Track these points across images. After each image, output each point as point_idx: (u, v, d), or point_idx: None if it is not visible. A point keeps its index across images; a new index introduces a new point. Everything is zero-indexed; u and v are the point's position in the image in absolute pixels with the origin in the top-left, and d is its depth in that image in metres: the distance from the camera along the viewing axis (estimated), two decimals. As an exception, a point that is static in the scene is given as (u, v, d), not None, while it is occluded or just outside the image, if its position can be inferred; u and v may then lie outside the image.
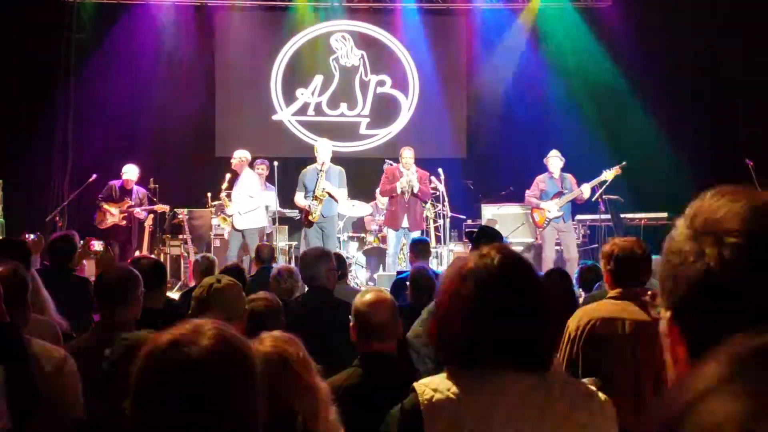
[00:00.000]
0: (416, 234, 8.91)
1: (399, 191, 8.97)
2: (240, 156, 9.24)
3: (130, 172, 9.58)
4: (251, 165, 9.47)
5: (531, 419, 1.60)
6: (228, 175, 9.28)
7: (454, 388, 1.63)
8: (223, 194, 9.20)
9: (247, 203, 9.03)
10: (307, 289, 4.69)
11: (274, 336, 2.10)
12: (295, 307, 4.31)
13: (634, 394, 2.99)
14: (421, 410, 1.62)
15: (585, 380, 2.38)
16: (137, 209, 9.49)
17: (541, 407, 1.61)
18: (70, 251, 5.28)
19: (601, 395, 1.71)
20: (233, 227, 9.14)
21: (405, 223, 9.02)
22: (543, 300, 1.70)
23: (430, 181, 9.38)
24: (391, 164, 9.45)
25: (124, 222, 9.38)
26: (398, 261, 9.21)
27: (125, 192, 9.51)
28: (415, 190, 8.97)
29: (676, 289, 0.98)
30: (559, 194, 9.39)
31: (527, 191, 9.72)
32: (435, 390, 1.64)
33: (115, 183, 9.53)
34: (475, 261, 1.69)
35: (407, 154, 9.10)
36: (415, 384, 1.69)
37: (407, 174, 8.99)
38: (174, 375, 1.31)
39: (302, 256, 4.87)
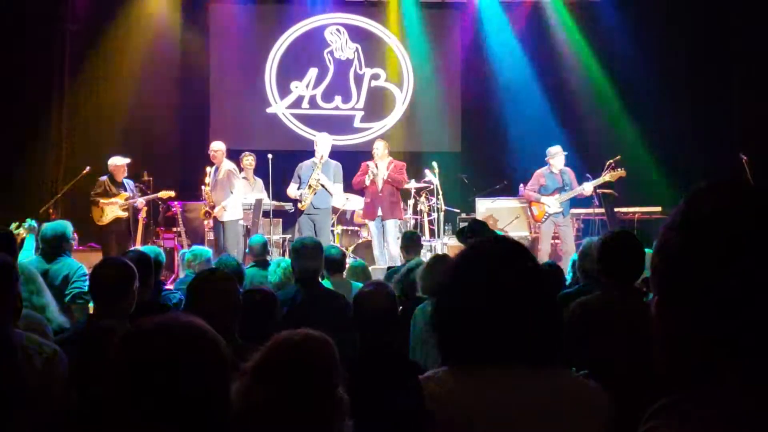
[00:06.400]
0: (391, 222, 9.00)
1: (367, 182, 9.09)
2: (221, 148, 9.26)
3: (118, 163, 9.37)
4: (237, 158, 9.49)
5: (531, 414, 1.60)
6: (209, 169, 9.30)
7: (457, 383, 1.62)
8: (208, 188, 9.21)
9: (230, 196, 9.05)
10: (295, 281, 4.60)
11: (314, 336, 1.91)
12: (291, 299, 4.29)
13: (630, 383, 3.00)
14: (426, 407, 1.61)
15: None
16: (140, 199, 9.45)
17: (539, 402, 1.61)
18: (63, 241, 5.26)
19: (592, 383, 1.71)
20: (216, 220, 9.14)
21: (379, 212, 9.11)
22: (550, 289, 1.72)
23: (426, 173, 9.39)
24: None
25: (125, 214, 9.31)
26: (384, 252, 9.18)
27: (118, 185, 9.38)
28: (383, 177, 9.06)
29: (659, 264, 1.01)
30: (560, 190, 9.37)
31: (523, 185, 9.72)
32: (439, 386, 1.63)
33: (104, 177, 9.34)
34: (474, 250, 1.69)
35: (377, 145, 9.33)
36: (420, 378, 1.68)
37: (376, 165, 9.15)
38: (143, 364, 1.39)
39: (299, 248, 4.58)
